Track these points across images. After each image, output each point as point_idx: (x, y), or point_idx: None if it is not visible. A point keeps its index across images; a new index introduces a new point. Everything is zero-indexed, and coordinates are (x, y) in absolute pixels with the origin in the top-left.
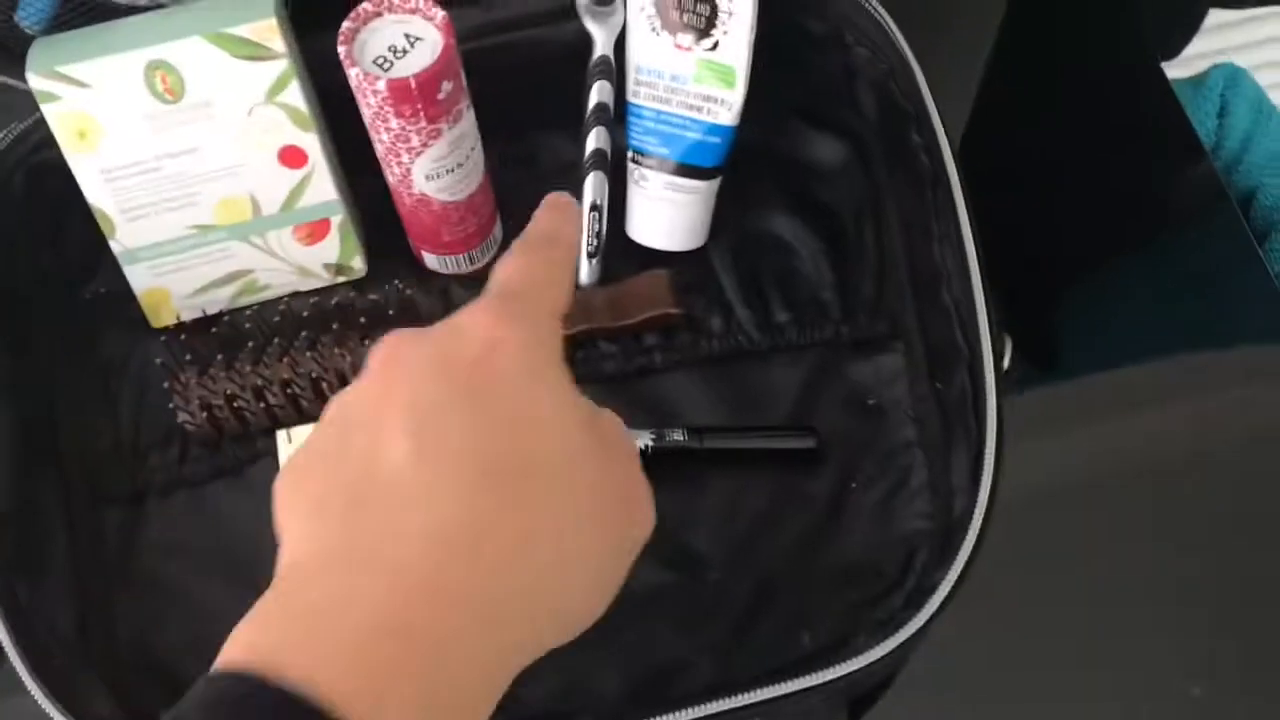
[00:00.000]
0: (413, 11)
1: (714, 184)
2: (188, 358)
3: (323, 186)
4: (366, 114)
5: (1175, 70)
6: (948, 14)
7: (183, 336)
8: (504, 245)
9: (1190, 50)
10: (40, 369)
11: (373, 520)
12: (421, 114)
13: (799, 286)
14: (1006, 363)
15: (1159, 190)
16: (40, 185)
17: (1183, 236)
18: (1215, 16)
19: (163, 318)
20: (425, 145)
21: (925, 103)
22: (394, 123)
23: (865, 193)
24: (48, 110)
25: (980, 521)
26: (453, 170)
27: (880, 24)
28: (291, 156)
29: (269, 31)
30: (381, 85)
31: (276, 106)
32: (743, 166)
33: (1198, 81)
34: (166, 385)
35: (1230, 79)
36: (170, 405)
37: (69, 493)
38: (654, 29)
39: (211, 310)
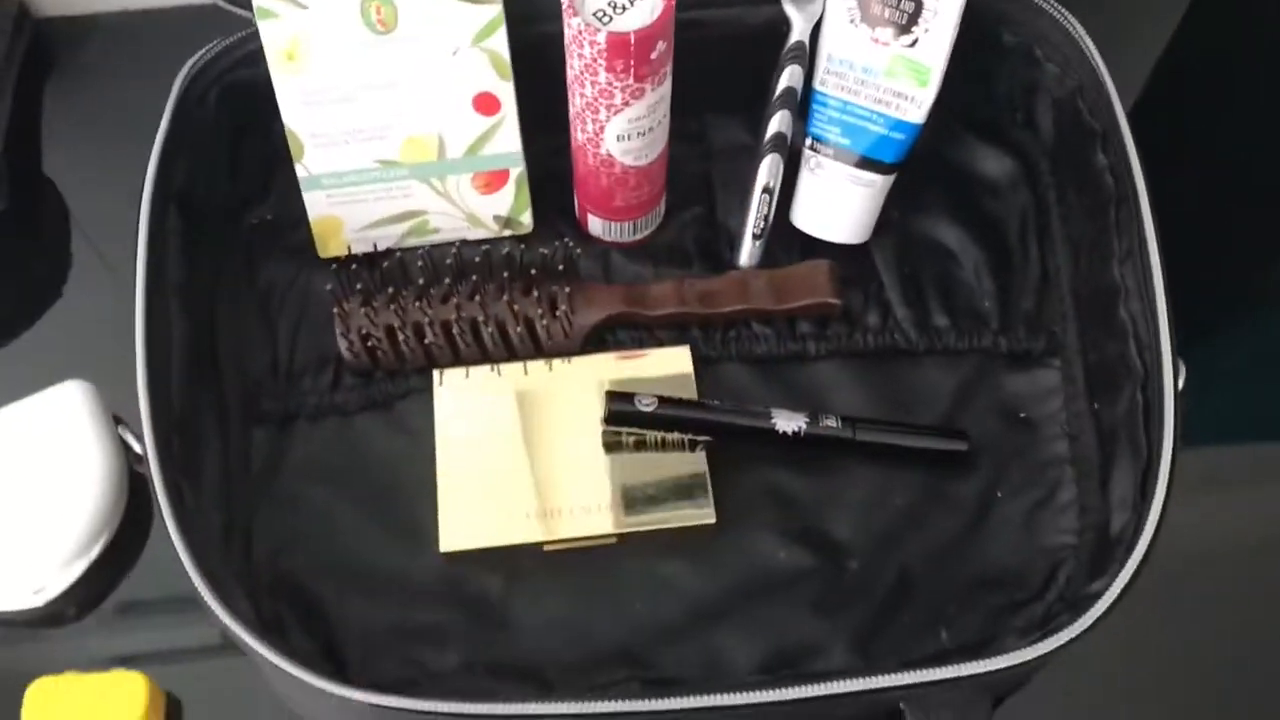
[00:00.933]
0: None
1: (889, 180)
2: (357, 286)
3: (509, 137)
4: (575, 67)
5: None
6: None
7: (353, 267)
8: (665, 220)
9: None
10: (205, 286)
11: None
12: (631, 71)
13: (959, 293)
14: (1180, 385)
15: None
16: (229, 105)
17: None
18: None
19: (330, 248)
20: (626, 104)
21: (1117, 120)
22: (602, 77)
23: (1032, 209)
24: (264, 26)
25: (1150, 538)
26: (644, 134)
27: (1075, 40)
28: (485, 103)
29: None
30: (601, 38)
31: (481, 51)
32: (911, 169)
33: None
34: (335, 311)
35: None
36: (337, 332)
37: (224, 408)
38: (853, 20)
39: (380, 246)
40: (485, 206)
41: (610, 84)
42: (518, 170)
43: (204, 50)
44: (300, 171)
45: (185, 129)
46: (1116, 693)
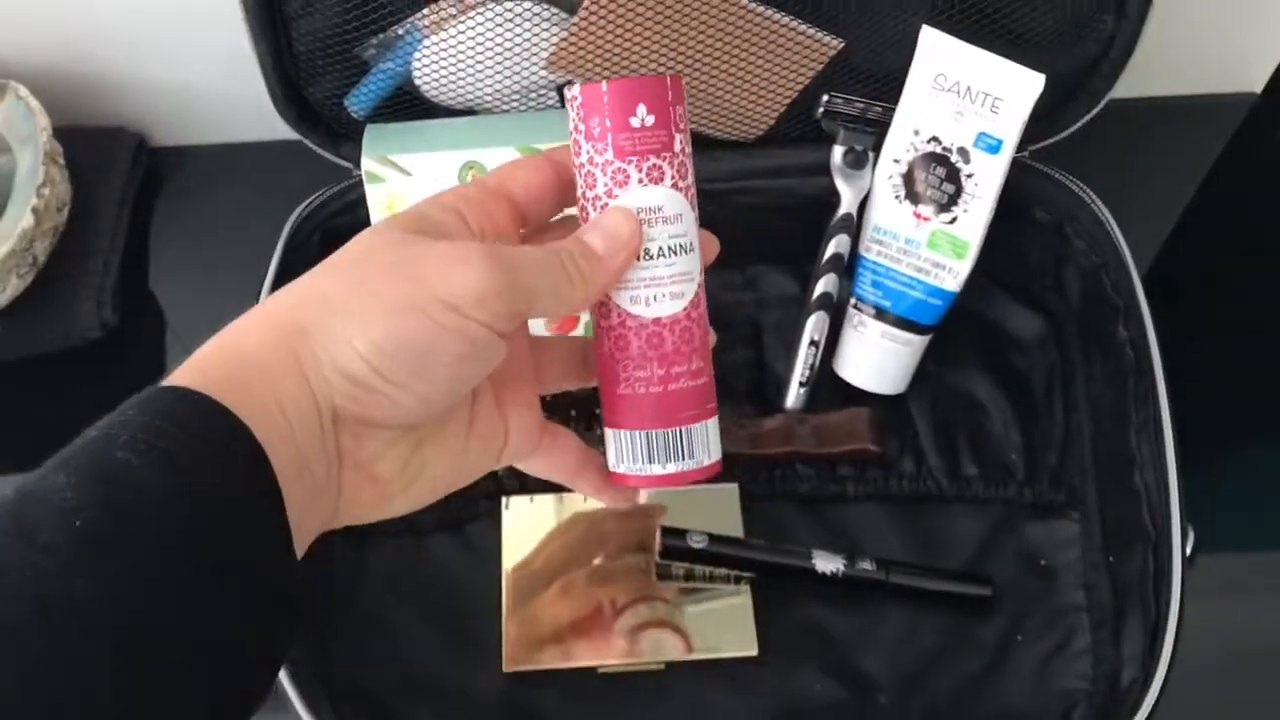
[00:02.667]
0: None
1: (926, 339)
2: None
3: None
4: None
5: None
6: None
7: None
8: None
9: None
10: None
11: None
12: None
13: (988, 445)
14: (1189, 549)
15: None
16: (332, 248)
17: None
18: None
19: None
20: None
21: (1138, 299)
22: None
23: (1058, 368)
24: (372, 190)
25: (1156, 695)
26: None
27: (1102, 221)
28: None
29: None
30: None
31: None
32: (948, 324)
33: None
34: None
35: None
36: None
37: None
38: (897, 197)
39: None
40: None
41: None
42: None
43: (312, 198)
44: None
45: (291, 267)
46: None
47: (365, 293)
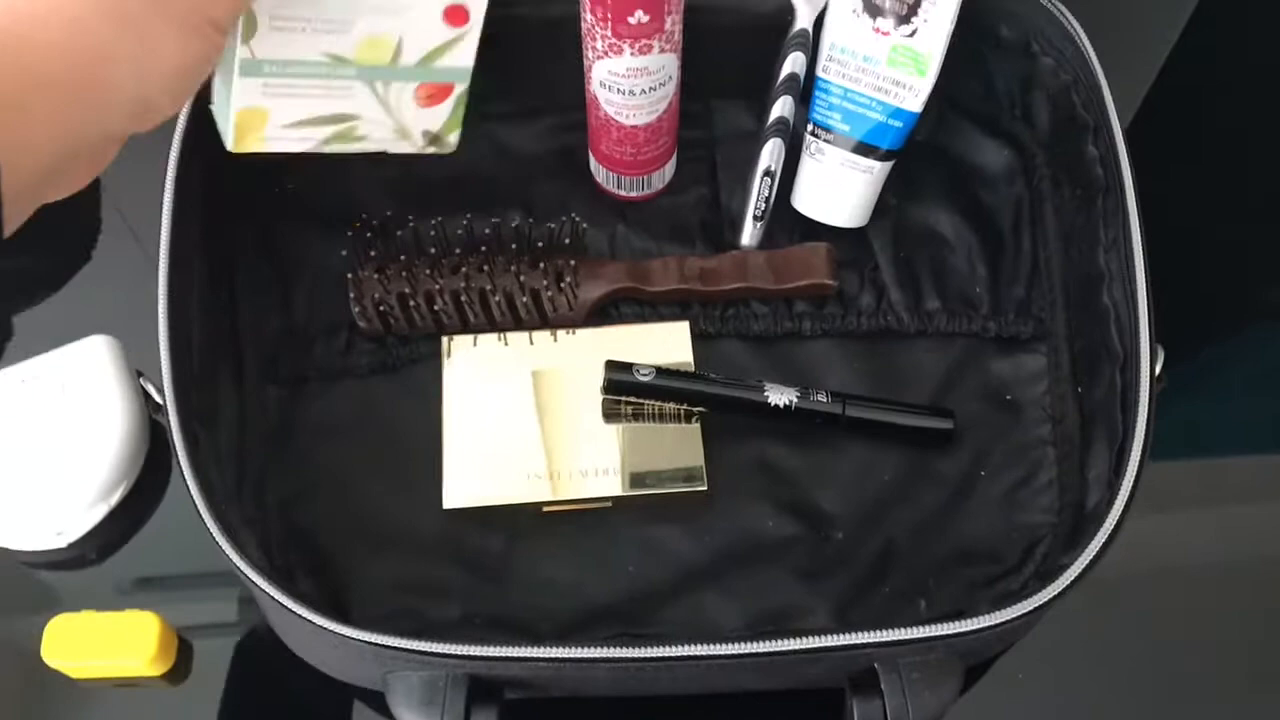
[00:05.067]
0: None
1: (887, 166)
2: (371, 254)
3: (466, 52)
4: None
5: None
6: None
7: (368, 235)
8: (670, 198)
9: None
10: (226, 249)
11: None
12: (610, 25)
13: (951, 279)
14: (1158, 369)
15: None
16: None
17: None
18: None
19: (248, 142)
20: (605, 55)
21: (1108, 114)
22: (588, 16)
23: (1026, 200)
24: None
25: (1119, 513)
26: (624, 93)
27: (1071, 36)
28: (456, 14)
29: None
30: None
31: None
32: (909, 157)
33: None
34: (349, 278)
35: None
36: (351, 298)
37: (241, 366)
38: (855, 10)
39: (292, 147)
40: (419, 120)
41: (593, 27)
42: (461, 87)
43: None
44: (243, 53)
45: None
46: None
47: (160, 15)
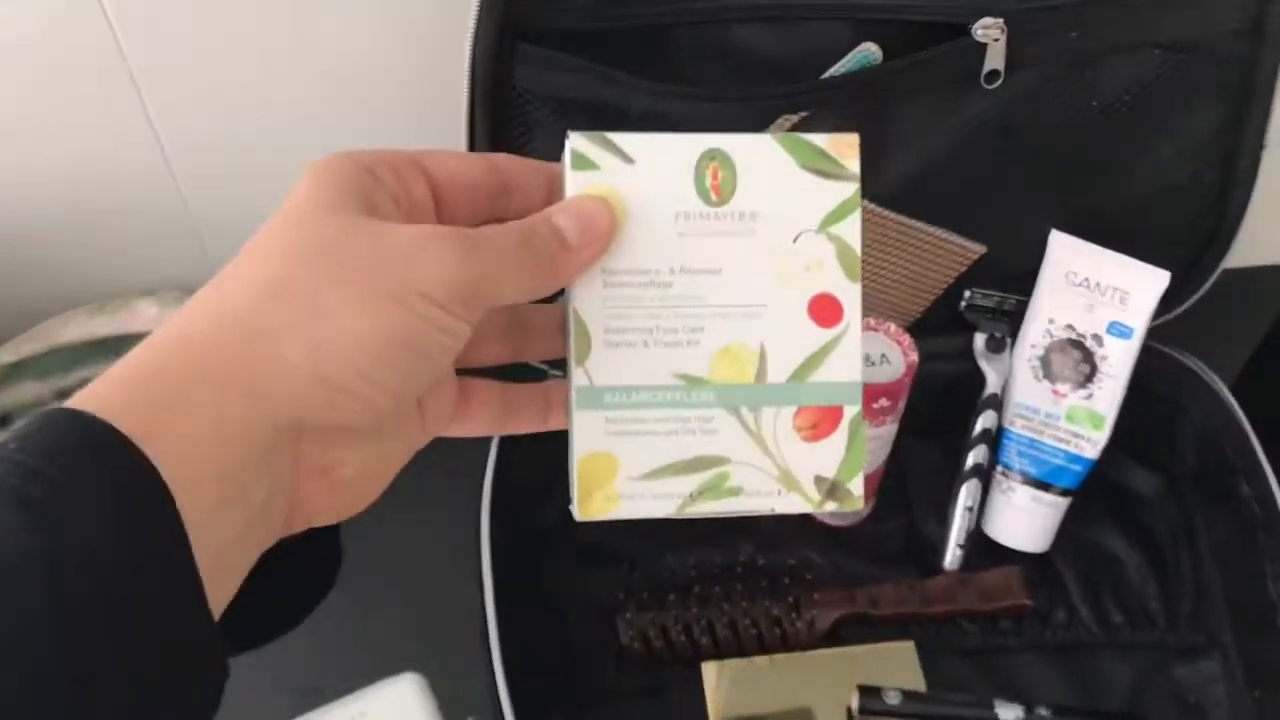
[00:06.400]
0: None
1: (1067, 501)
2: (645, 595)
3: (849, 360)
4: None
5: None
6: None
7: (636, 574)
8: (873, 525)
9: None
10: (511, 588)
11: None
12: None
13: (1129, 594)
14: None
15: None
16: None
17: None
18: None
19: (594, 503)
20: None
21: (1258, 457)
22: None
23: (1180, 524)
24: (574, 179)
25: None
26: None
27: (1214, 391)
28: (824, 309)
29: (848, 147)
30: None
31: (827, 239)
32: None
33: None
34: (625, 614)
35: None
36: (621, 630)
37: (529, 690)
38: (1037, 376)
39: (652, 510)
40: (806, 461)
41: None
42: (853, 411)
43: None
44: (579, 379)
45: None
46: None
47: (340, 285)
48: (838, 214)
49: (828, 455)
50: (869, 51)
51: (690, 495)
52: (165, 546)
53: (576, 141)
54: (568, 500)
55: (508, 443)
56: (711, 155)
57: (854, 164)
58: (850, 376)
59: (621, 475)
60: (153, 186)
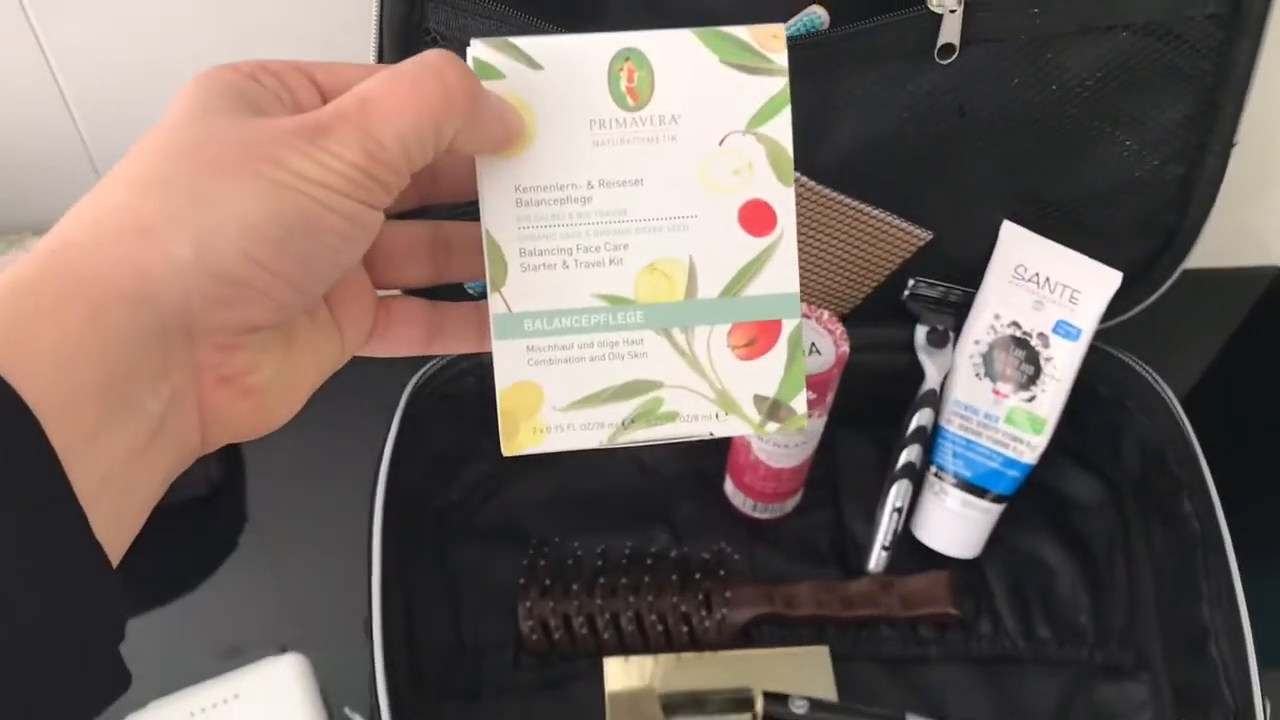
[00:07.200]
0: (819, 322)
1: (1001, 507)
2: (546, 582)
3: (785, 270)
4: None
5: None
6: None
7: (541, 562)
8: (798, 518)
9: None
10: (409, 570)
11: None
12: None
13: (1059, 606)
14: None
15: None
16: (451, 414)
17: None
18: None
19: (521, 436)
20: None
21: (1203, 473)
22: None
23: (1118, 533)
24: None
25: None
26: (778, 445)
27: (1164, 400)
28: (756, 216)
29: (773, 39)
30: None
31: (756, 140)
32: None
33: None
34: (522, 598)
35: None
36: (521, 619)
37: (420, 681)
38: (978, 374)
39: (583, 441)
40: (744, 381)
41: None
42: (792, 325)
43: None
44: (496, 306)
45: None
46: None
47: (223, 173)
48: (766, 112)
49: (767, 373)
50: (815, 15)
51: (622, 423)
52: (27, 474)
53: (479, 49)
54: (476, 477)
55: (413, 411)
56: (626, 56)
57: (781, 57)
58: (787, 287)
59: (547, 406)
60: (48, 123)
